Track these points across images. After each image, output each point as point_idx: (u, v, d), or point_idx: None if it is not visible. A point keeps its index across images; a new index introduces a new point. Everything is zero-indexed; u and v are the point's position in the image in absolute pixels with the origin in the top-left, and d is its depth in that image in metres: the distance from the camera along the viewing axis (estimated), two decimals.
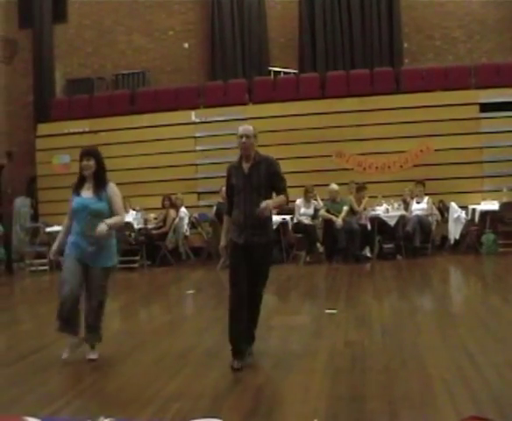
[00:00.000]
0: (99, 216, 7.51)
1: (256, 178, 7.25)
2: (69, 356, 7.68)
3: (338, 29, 19.88)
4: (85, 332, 7.77)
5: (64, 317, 7.53)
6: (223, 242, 7.65)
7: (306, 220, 15.98)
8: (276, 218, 16.22)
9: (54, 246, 7.89)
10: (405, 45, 20.11)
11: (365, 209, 16.11)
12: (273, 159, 7.46)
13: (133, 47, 21.26)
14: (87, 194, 7.66)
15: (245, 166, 7.30)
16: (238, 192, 7.30)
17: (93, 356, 7.69)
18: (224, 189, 15.89)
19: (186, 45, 21.14)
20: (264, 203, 6.97)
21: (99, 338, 7.82)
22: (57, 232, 16.96)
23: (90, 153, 7.70)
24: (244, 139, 7.25)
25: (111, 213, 7.64)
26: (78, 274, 7.58)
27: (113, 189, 7.77)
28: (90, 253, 7.57)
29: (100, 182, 7.69)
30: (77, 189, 7.72)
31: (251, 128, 7.35)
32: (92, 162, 7.62)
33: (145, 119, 18.76)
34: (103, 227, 7.33)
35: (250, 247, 7.21)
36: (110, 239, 7.81)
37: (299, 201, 16.22)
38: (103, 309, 7.79)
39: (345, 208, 15.75)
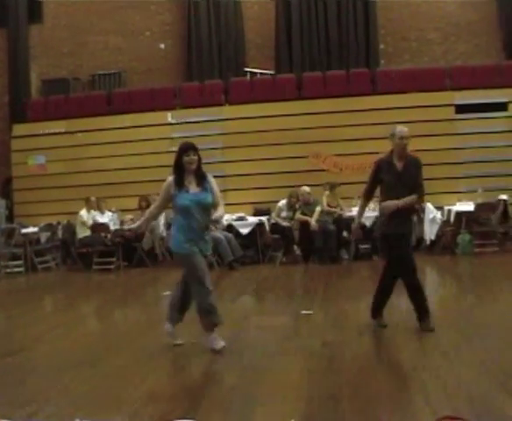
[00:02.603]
0: (209, 208, 7.78)
1: (408, 176, 8.02)
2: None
3: (315, 30, 19.93)
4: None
5: (214, 310, 7.72)
6: (355, 223, 8.60)
7: (283, 222, 15.99)
8: (253, 219, 16.25)
9: (137, 224, 8.09)
10: (381, 46, 20.21)
11: (338, 208, 16.19)
12: (419, 159, 8.34)
13: (109, 48, 21.19)
14: (193, 189, 7.71)
15: (398, 164, 8.07)
16: (389, 188, 8.03)
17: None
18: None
19: (162, 45, 21.12)
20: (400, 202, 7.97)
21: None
22: (33, 233, 17.05)
23: (195, 147, 7.81)
24: (405, 141, 8.08)
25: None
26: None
27: (212, 179, 7.93)
28: (206, 242, 7.79)
29: (202, 175, 7.80)
30: (182, 184, 7.70)
31: (408, 130, 8.18)
32: (196, 157, 7.73)
33: (122, 120, 18.71)
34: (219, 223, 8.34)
35: (394, 236, 7.99)
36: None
37: (282, 203, 16.24)
38: None
39: (318, 209, 15.78)
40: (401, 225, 8.02)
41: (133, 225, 8.26)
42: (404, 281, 8.22)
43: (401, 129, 8.13)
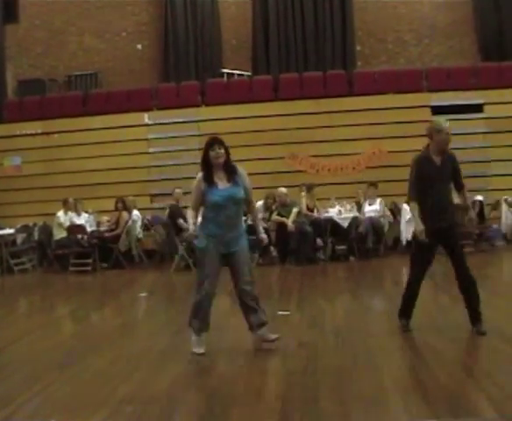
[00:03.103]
0: (240, 203, 7.70)
1: (447, 171, 8.08)
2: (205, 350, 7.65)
3: (292, 31, 19.99)
4: (252, 317, 7.83)
5: (202, 316, 7.64)
6: (420, 226, 7.98)
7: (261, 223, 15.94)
8: None
9: (192, 230, 7.66)
10: (358, 48, 20.30)
11: (314, 210, 16.20)
12: (455, 155, 8.28)
13: (85, 48, 21.12)
14: (223, 184, 7.59)
15: (436, 159, 8.07)
16: (429, 184, 7.99)
17: (274, 336, 7.82)
18: (177, 190, 15.91)
19: (139, 46, 21.08)
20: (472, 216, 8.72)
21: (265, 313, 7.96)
22: (9, 235, 16.91)
23: (221, 141, 7.68)
24: (450, 136, 8.09)
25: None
26: (218, 272, 7.65)
27: (244, 172, 7.82)
28: (232, 238, 7.61)
29: (231, 169, 7.68)
30: (211, 180, 7.58)
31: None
32: (223, 150, 7.62)
33: (98, 121, 18.60)
34: (265, 237, 8.06)
35: (443, 231, 7.97)
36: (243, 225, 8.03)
37: (258, 204, 16.20)
38: (255, 288, 7.89)
39: (295, 210, 15.79)
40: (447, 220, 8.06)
41: (189, 234, 7.88)
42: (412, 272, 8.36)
43: (446, 123, 8.11)
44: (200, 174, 7.66)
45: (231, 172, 7.63)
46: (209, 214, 7.57)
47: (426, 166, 8.03)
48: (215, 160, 7.56)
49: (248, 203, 7.92)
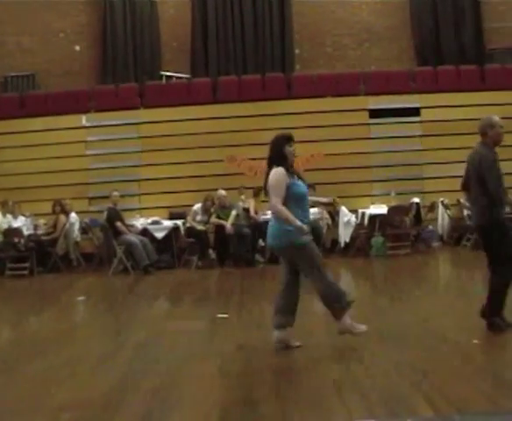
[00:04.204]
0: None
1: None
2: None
3: (231, 34, 20.00)
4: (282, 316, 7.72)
5: (342, 291, 7.76)
6: None
7: (199, 226, 15.94)
8: (168, 223, 16.19)
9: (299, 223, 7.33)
10: (296, 51, 20.38)
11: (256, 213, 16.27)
12: None
13: (23, 49, 20.78)
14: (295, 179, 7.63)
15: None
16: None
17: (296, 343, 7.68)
18: (114, 193, 15.79)
19: (77, 47, 20.84)
20: None
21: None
22: None
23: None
24: (503, 129, 7.88)
25: None
26: None
27: None
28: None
29: (293, 169, 7.83)
30: (290, 173, 7.66)
31: None
32: None
33: (35, 123, 18.30)
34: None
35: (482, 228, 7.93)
36: None
37: (197, 207, 16.19)
38: None
39: (233, 213, 15.82)
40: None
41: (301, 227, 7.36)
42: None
43: (496, 118, 7.95)
44: (281, 168, 7.63)
45: (293, 171, 7.78)
46: (296, 207, 7.49)
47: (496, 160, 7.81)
48: (291, 156, 7.73)
49: None
